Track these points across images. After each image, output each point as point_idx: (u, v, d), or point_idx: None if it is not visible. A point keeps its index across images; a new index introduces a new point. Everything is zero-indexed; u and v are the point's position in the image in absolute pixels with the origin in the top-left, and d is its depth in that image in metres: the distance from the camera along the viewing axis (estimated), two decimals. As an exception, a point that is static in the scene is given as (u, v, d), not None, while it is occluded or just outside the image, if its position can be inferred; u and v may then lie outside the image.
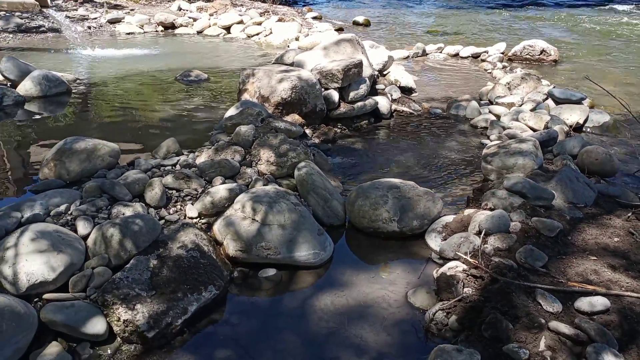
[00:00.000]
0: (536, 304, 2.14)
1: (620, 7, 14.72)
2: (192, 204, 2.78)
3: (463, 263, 2.46)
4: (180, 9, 10.21)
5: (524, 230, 2.65)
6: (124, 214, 2.53)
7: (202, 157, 3.25)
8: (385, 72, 5.76)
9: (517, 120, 4.55)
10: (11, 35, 7.90)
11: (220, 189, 2.80)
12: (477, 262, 2.41)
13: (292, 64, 4.99)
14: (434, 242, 2.80)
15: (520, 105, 4.96)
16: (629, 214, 2.86)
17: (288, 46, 7.89)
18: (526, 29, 10.91)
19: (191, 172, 2.99)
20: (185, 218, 2.69)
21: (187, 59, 6.82)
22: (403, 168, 3.85)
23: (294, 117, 4.36)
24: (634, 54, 8.46)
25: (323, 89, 4.56)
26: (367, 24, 10.60)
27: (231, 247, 2.52)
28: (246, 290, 2.44)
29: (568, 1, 16.65)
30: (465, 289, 2.30)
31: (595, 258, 2.46)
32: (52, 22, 8.37)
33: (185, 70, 5.88)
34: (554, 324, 1.99)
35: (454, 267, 2.43)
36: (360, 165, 3.92)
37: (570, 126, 4.50)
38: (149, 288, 2.14)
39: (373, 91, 5.15)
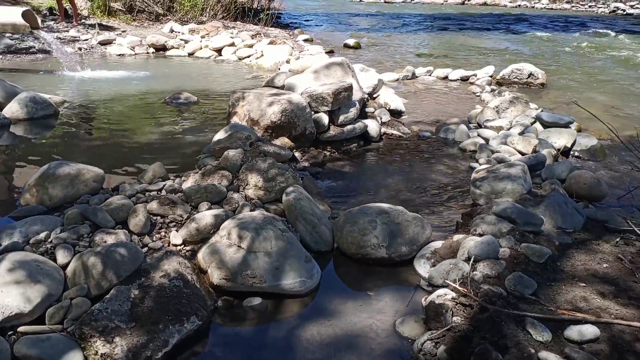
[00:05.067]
0: (526, 333, 2.10)
1: (603, 31, 15.03)
2: (177, 230, 2.72)
3: (452, 291, 2.42)
4: (172, 30, 10.27)
5: (513, 257, 2.62)
6: (106, 241, 2.47)
7: (189, 182, 3.21)
8: (375, 95, 5.78)
9: (505, 144, 4.56)
10: (0, 57, 7.88)
11: (205, 215, 2.76)
12: (466, 289, 2.37)
13: (282, 87, 4.99)
14: (423, 268, 2.76)
15: (509, 129, 4.98)
16: (618, 239, 2.85)
17: (279, 69, 7.93)
18: (513, 53, 11.07)
19: (177, 198, 2.94)
20: (169, 245, 2.63)
21: (177, 81, 6.82)
22: (392, 192, 3.82)
23: (284, 141, 4.35)
24: (619, 77, 8.60)
25: (313, 112, 4.56)
26: (357, 46, 10.71)
27: (215, 276, 2.47)
28: (230, 320, 2.37)
29: (553, 25, 16.98)
30: (454, 318, 2.26)
31: (584, 285, 2.43)
32: (43, 44, 8.37)
33: (175, 93, 5.86)
34: (544, 354, 1.95)
35: (443, 295, 2.39)
36: (350, 188, 3.89)
37: (559, 150, 4.52)
38: (129, 319, 2.08)
39: (363, 114, 5.16)
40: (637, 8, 25.52)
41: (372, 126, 4.95)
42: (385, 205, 3.05)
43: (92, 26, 9.93)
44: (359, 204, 3.17)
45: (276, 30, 11.60)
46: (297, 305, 2.50)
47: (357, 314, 2.44)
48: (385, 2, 26.45)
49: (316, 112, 4.58)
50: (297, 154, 4.27)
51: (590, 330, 2.06)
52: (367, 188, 3.90)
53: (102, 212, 2.65)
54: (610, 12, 25.13)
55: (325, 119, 4.57)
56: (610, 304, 2.28)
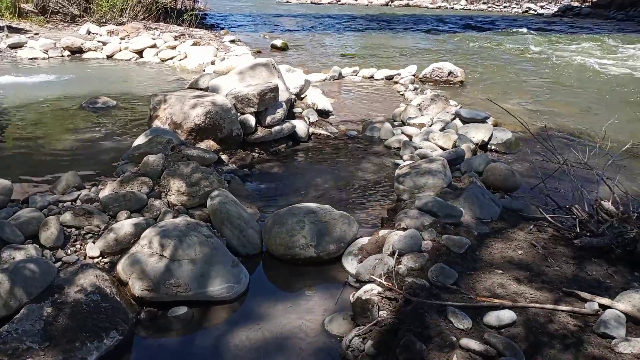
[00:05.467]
0: (448, 322, 2.17)
1: (520, 31, 16.00)
2: (94, 242, 2.59)
3: (378, 285, 2.46)
4: (89, 32, 9.80)
5: (435, 249, 2.71)
6: (14, 258, 2.31)
7: (106, 190, 3.06)
8: (302, 96, 5.79)
9: (427, 140, 4.71)
10: None
11: (124, 224, 2.64)
12: (391, 283, 2.42)
13: (207, 89, 4.89)
14: (351, 265, 2.80)
15: (431, 126, 5.15)
16: (531, 227, 3.02)
17: (204, 70, 7.76)
18: (434, 52, 11.51)
19: (93, 208, 2.80)
20: (85, 258, 2.50)
21: (95, 85, 6.50)
22: (321, 191, 3.85)
23: (209, 144, 4.25)
24: (529, 73, 9.17)
25: (239, 114, 4.49)
26: (284, 47, 10.70)
27: (137, 287, 2.36)
28: (154, 332, 2.29)
29: (470, 25, 17.85)
30: (381, 312, 2.30)
31: (501, 271, 2.56)
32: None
33: (92, 97, 5.59)
34: (465, 341, 2.02)
35: (370, 291, 2.43)
36: (279, 190, 3.87)
37: (477, 144, 4.73)
38: (42, 339, 1.95)
39: (290, 115, 5.15)
40: (547, 8, 27.41)
41: (300, 126, 4.96)
42: (313, 205, 3.06)
43: (1, 29, 9.27)
44: (289, 205, 3.16)
45: (201, 31, 11.35)
46: (225, 311, 2.45)
47: (287, 316, 2.43)
48: (312, 3, 26.66)
49: (242, 113, 4.52)
50: (223, 157, 4.20)
51: (507, 315, 2.16)
52: (297, 188, 3.89)
53: (10, 227, 2.48)
54: (523, 12, 26.84)
55: (252, 120, 4.52)
56: (526, 288, 2.41)
